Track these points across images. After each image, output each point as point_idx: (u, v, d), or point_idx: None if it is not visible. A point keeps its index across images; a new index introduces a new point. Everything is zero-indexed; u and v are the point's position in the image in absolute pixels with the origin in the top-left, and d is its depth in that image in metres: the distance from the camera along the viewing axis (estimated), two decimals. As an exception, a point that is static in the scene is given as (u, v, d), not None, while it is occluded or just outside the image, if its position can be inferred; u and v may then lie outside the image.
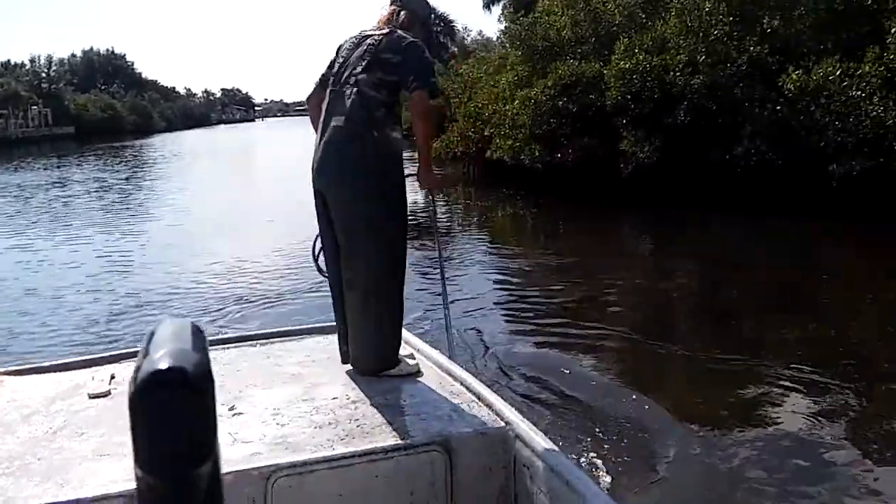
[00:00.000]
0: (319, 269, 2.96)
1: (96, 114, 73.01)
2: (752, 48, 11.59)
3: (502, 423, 2.21)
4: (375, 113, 2.65)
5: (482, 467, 2.16)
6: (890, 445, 4.05)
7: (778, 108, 11.08)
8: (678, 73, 12.21)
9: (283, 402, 2.43)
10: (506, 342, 5.90)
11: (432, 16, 3.25)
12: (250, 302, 7.23)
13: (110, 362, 2.89)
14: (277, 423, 2.26)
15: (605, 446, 3.90)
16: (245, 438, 2.15)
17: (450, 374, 2.66)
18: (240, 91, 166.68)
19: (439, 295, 3.37)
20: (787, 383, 4.80)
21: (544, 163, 14.24)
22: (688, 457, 3.86)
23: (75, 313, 7.18)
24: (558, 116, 14.00)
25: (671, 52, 12.61)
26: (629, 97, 12.70)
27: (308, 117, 2.94)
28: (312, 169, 2.73)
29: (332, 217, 2.70)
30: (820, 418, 4.28)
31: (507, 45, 18.75)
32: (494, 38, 29.24)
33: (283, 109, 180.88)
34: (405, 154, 2.81)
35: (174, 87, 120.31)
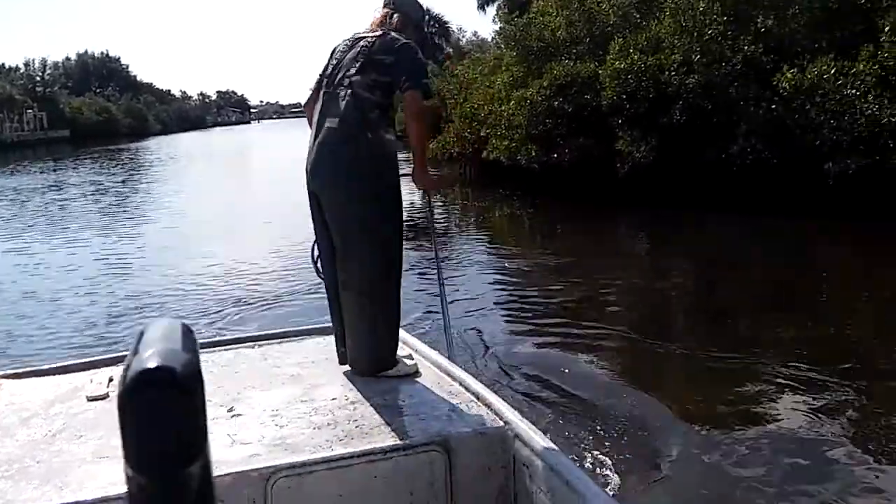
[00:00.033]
0: (319, 273, 2.96)
1: (91, 117, 72.87)
2: (746, 47, 11.61)
3: (501, 423, 2.21)
4: (369, 114, 2.65)
5: (481, 467, 2.15)
6: (889, 442, 4.06)
7: (773, 106, 11.09)
8: (673, 73, 12.22)
9: (282, 404, 2.43)
10: (505, 342, 5.91)
11: (426, 18, 3.26)
12: (248, 304, 7.22)
13: (108, 365, 2.88)
14: (276, 425, 2.26)
15: (606, 445, 3.90)
16: (244, 440, 2.15)
17: (448, 374, 2.66)
18: (235, 93, 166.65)
19: (438, 296, 3.38)
20: (784, 381, 4.81)
21: (540, 163, 14.23)
22: (688, 455, 3.86)
23: (73, 316, 7.18)
24: (554, 117, 13.99)
25: (666, 51, 12.62)
26: (624, 97, 12.70)
27: (304, 119, 2.94)
28: (307, 171, 2.74)
29: (327, 219, 2.70)
30: (818, 416, 4.28)
31: (502, 46, 18.73)
32: (489, 39, 29.23)
33: (278, 112, 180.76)
34: (400, 155, 2.81)
35: (169, 90, 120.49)
